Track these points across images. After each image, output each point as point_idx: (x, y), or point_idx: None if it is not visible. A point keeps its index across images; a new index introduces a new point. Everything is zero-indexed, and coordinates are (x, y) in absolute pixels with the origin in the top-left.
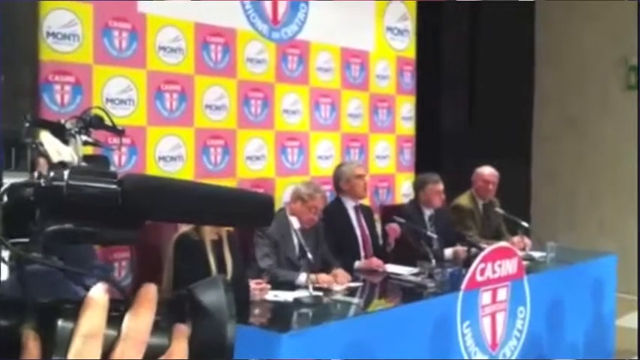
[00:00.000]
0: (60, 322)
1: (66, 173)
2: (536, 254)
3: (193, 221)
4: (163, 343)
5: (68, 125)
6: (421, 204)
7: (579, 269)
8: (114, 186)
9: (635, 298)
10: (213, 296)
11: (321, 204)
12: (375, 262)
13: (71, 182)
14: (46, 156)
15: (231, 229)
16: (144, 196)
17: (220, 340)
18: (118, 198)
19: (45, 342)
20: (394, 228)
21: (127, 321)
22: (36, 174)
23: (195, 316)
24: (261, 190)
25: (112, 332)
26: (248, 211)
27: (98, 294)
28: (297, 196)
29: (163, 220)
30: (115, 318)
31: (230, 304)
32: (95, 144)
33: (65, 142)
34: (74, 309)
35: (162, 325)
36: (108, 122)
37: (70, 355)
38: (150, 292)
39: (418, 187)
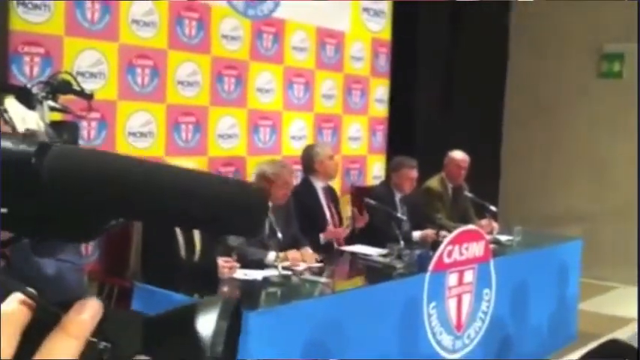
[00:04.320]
0: None
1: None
2: (503, 238)
3: (149, 222)
4: None
5: (35, 90)
6: (392, 186)
7: (545, 253)
8: (32, 159)
9: (599, 282)
10: (201, 322)
11: (290, 177)
12: (342, 230)
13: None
14: (10, 124)
15: None
16: (75, 180)
17: None
18: (39, 177)
19: None
20: (363, 219)
21: (42, 347)
22: None
23: (172, 343)
24: (232, 171)
25: (25, 357)
26: (232, 214)
27: (11, 308)
28: (262, 177)
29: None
30: (33, 338)
31: (218, 333)
32: (63, 110)
33: (32, 108)
34: None
35: (108, 356)
36: (76, 87)
37: None
38: (85, 310)
39: (393, 168)
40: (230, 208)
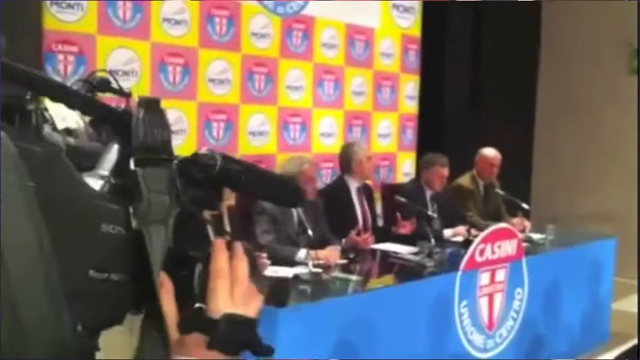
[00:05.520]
0: (199, 267)
1: (219, 157)
2: (536, 236)
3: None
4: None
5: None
6: (423, 183)
7: (578, 252)
8: (238, 167)
9: (633, 282)
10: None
11: (313, 171)
12: (361, 239)
13: (224, 163)
14: (51, 122)
15: (232, 203)
16: (238, 174)
17: None
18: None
19: (178, 283)
20: (408, 225)
21: (237, 269)
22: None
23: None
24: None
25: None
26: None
27: (222, 245)
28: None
29: (236, 191)
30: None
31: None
32: None
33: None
34: (204, 257)
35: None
36: (114, 85)
37: (209, 291)
38: (241, 248)
39: (423, 166)
40: (282, 189)
